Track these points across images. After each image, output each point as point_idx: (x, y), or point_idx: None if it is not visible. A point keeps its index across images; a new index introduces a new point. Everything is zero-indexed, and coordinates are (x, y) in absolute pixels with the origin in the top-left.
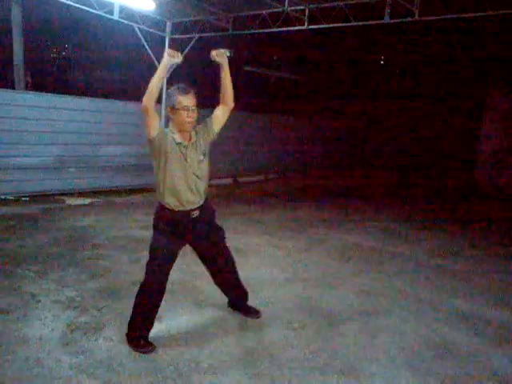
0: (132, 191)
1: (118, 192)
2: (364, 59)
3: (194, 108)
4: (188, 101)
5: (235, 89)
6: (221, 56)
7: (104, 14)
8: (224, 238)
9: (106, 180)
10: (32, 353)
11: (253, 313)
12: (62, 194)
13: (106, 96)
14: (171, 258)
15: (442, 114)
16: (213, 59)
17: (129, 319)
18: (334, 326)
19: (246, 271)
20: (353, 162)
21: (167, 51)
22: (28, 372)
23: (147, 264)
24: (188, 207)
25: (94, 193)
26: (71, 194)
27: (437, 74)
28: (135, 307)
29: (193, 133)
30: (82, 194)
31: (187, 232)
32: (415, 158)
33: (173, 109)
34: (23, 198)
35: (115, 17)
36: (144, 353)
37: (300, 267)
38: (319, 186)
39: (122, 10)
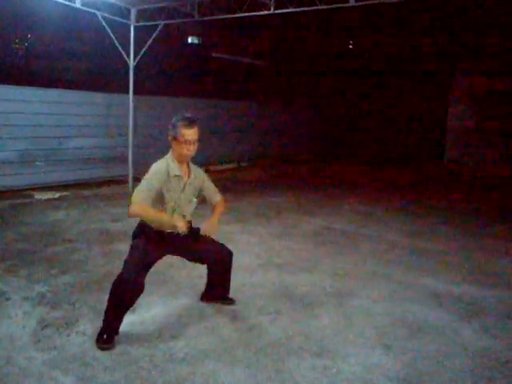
0: (101, 183)
1: (87, 185)
2: (332, 43)
3: (195, 141)
4: (191, 135)
5: (204, 76)
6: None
7: (66, 2)
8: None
9: (74, 173)
10: (2, 351)
11: (227, 300)
12: (31, 189)
13: (72, 87)
14: (148, 260)
15: (410, 97)
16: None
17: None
18: (308, 309)
19: None
20: (328, 148)
21: (183, 226)
22: None
23: (125, 261)
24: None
25: (63, 186)
26: (40, 189)
27: (402, 55)
28: (109, 302)
29: (192, 170)
30: (50, 188)
31: (165, 245)
32: (387, 142)
33: (175, 139)
34: None
35: (77, 5)
36: (101, 349)
37: (273, 253)
38: (293, 173)
39: None
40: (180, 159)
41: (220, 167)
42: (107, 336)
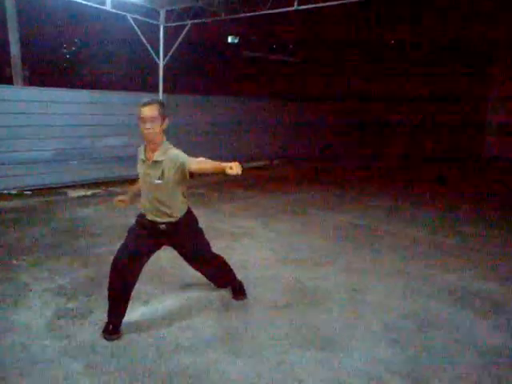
0: (133, 181)
1: (119, 182)
2: (366, 38)
3: (151, 119)
4: (145, 113)
5: (236, 74)
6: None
7: (96, 5)
8: (205, 250)
9: (107, 171)
10: (18, 339)
11: (238, 295)
12: (65, 187)
13: (103, 88)
14: (137, 246)
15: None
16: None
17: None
18: (319, 304)
19: (237, 254)
20: (360, 147)
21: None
22: (12, 357)
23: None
24: (152, 219)
25: (96, 184)
26: (73, 186)
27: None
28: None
29: (158, 153)
30: (83, 185)
31: (158, 238)
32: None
33: (138, 119)
34: (26, 192)
35: (108, 7)
36: (106, 339)
37: (291, 249)
38: (323, 170)
39: (114, 0)
40: (145, 141)
41: (251, 164)
42: (113, 326)
